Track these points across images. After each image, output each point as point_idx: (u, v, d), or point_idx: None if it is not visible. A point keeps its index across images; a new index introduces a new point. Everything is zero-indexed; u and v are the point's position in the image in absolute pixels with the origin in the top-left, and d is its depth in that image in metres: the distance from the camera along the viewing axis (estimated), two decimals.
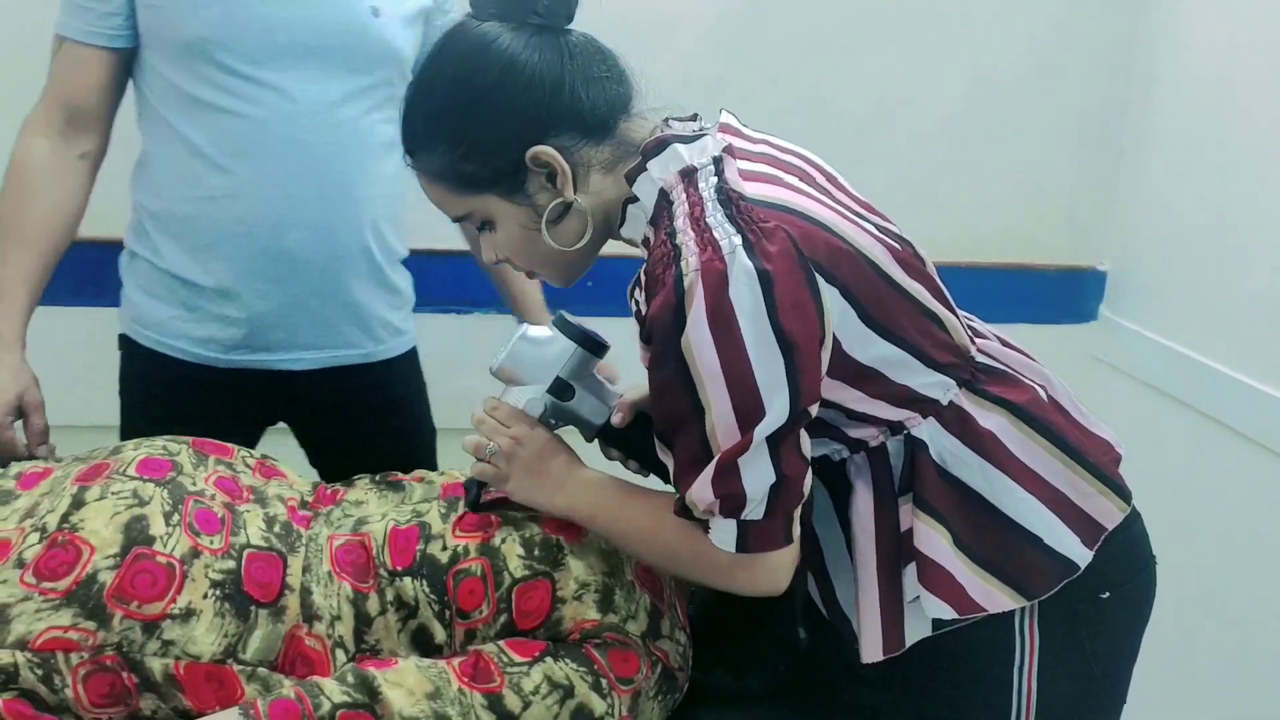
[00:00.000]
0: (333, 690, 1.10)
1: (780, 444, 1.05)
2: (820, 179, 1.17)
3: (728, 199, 1.05)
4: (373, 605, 1.21)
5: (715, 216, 1.04)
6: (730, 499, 1.06)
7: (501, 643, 1.18)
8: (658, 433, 1.11)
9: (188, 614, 1.12)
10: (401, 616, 1.22)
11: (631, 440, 1.29)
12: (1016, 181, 2.35)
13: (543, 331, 1.28)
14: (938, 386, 1.13)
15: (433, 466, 1.66)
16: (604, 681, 1.17)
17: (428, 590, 1.22)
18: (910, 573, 1.14)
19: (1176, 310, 2.20)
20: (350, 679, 1.12)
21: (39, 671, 1.09)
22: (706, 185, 1.07)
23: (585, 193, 1.14)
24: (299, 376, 1.62)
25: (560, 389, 1.27)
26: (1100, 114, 2.34)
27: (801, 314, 1.02)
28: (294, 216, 1.52)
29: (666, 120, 1.17)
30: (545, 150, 1.10)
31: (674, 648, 1.25)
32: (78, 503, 1.18)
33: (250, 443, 1.66)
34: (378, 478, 1.54)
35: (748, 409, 1.02)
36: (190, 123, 1.50)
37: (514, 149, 1.10)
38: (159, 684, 1.11)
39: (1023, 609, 1.15)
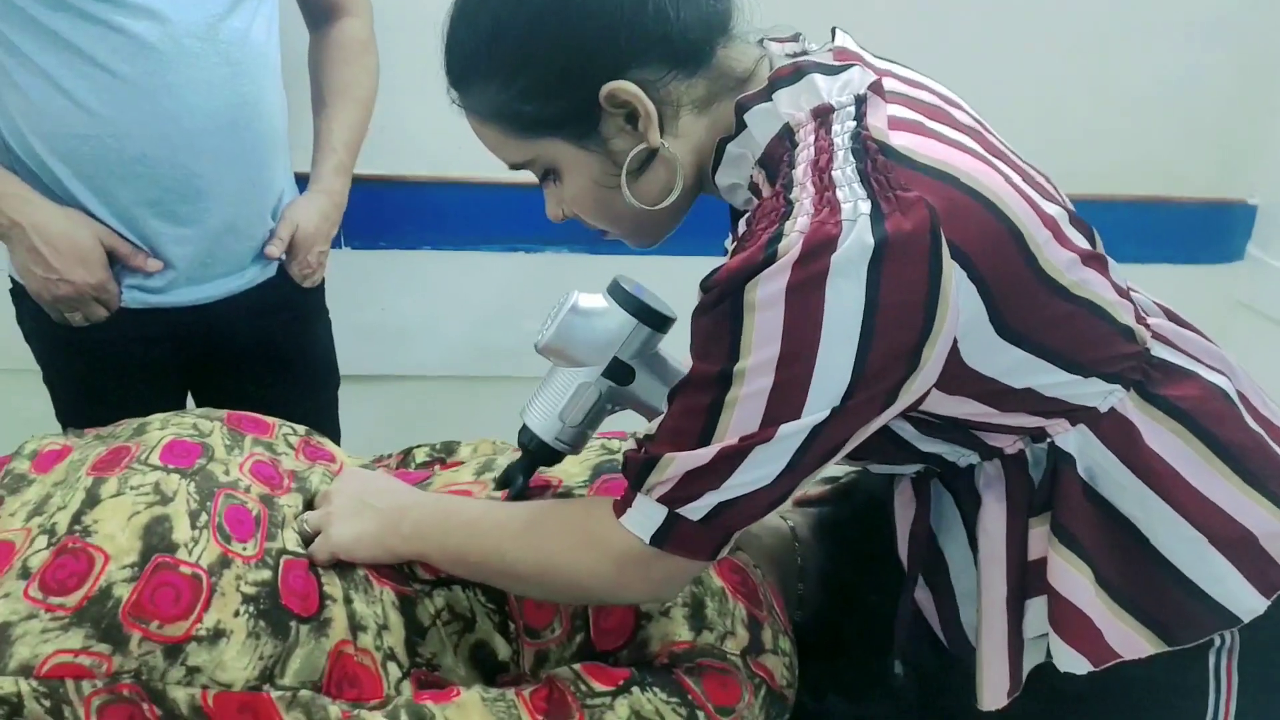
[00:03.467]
0: None
1: (804, 454, 0.86)
2: (966, 120, 0.94)
3: (864, 150, 0.84)
4: (424, 613, 1.05)
5: (845, 170, 0.83)
6: (693, 487, 0.88)
7: (579, 667, 1.02)
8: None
9: (216, 635, 0.97)
10: (457, 630, 1.06)
11: None
12: (1158, 102, 2.08)
13: (596, 301, 1.08)
14: (1094, 394, 0.93)
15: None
16: (701, 714, 1.00)
17: (484, 600, 1.06)
18: (1037, 607, 0.96)
19: None
20: (404, 716, 0.96)
21: (46, 702, 0.94)
22: (842, 130, 0.86)
23: (674, 137, 0.93)
24: (215, 308, 1.52)
25: (618, 372, 1.08)
26: (1260, 24, 2.05)
27: (905, 319, 0.82)
28: (198, 148, 1.39)
29: (761, 41, 0.97)
30: (624, 86, 0.89)
31: (779, 662, 1.08)
32: (92, 499, 1.02)
33: (176, 400, 1.60)
34: (439, 447, 1.38)
35: (784, 401, 0.84)
36: (54, 62, 1.33)
37: (585, 85, 0.89)
38: (185, 717, 0.96)
39: (1220, 644, 0.95)
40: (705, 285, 0.86)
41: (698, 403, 0.86)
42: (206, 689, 0.96)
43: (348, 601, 1.03)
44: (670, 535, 0.90)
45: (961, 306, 0.83)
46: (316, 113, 1.63)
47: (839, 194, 0.82)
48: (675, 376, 1.10)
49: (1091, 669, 0.94)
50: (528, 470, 1.12)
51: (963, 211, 0.83)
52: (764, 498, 0.88)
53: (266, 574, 1.01)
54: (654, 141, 0.91)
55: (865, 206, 0.81)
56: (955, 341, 0.85)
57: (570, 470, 1.19)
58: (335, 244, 1.64)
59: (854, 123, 0.85)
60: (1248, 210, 2.17)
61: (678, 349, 1.12)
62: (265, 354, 1.60)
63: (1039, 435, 0.94)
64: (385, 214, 1.94)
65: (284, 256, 1.56)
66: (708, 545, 0.92)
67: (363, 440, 1.75)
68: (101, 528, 0.99)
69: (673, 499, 0.89)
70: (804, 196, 0.83)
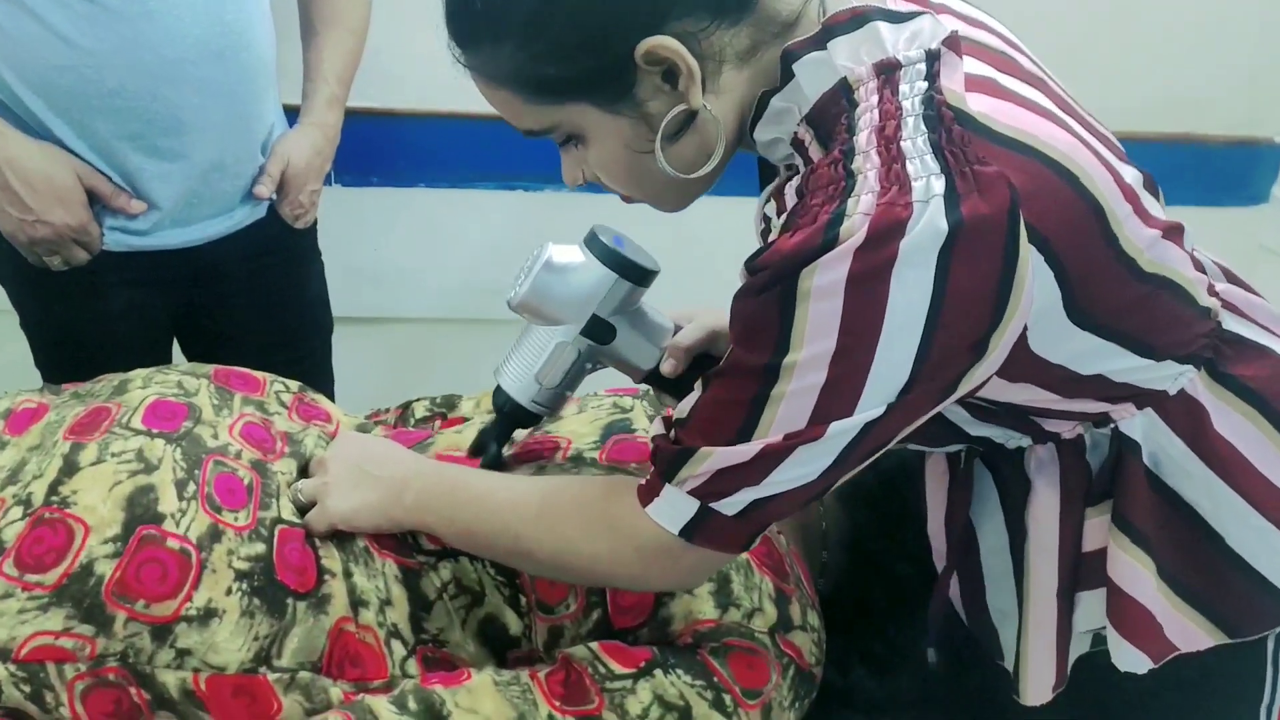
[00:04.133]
0: (388, 716, 0.88)
1: (853, 451, 0.79)
2: (1031, 68, 0.86)
3: (938, 117, 0.74)
4: (429, 586, 0.99)
5: (915, 141, 0.74)
6: (728, 483, 0.81)
7: (596, 646, 0.95)
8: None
9: (208, 614, 0.90)
10: (464, 604, 1.00)
11: (688, 387, 1.04)
12: (1184, 35, 1.98)
13: (572, 255, 1.00)
14: (1165, 377, 0.86)
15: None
16: (727, 697, 0.94)
17: (493, 572, 1.00)
18: (1090, 601, 0.90)
19: None
20: (412, 703, 0.90)
21: (27, 688, 0.88)
22: (912, 91, 0.76)
23: (715, 94, 0.82)
24: (202, 252, 1.44)
25: (597, 330, 1.01)
26: None
27: (974, 308, 0.75)
28: (181, 79, 1.30)
29: None
30: (664, 43, 0.78)
31: (807, 639, 1.02)
32: (70, 466, 0.95)
33: (161, 348, 1.54)
34: (438, 401, 1.31)
35: (836, 398, 0.77)
36: None
37: (617, 43, 0.79)
38: (175, 701, 0.90)
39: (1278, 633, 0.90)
40: (752, 266, 0.77)
41: (739, 395, 0.79)
42: (198, 672, 0.90)
43: (347, 575, 0.97)
44: (701, 528, 0.83)
45: (1036, 294, 0.75)
46: (306, 42, 1.54)
47: (909, 169, 0.73)
48: (659, 331, 1.04)
49: (1152, 666, 0.88)
50: (502, 435, 1.06)
51: (1045, 189, 0.74)
52: (804, 494, 0.82)
53: (260, 547, 0.94)
54: (695, 103, 0.81)
55: (939, 185, 0.72)
56: (1024, 328, 0.77)
57: (580, 431, 1.13)
58: (325, 181, 1.56)
59: (925, 83, 0.76)
60: (1275, 150, 2.08)
61: (663, 298, 1.05)
62: (255, 299, 1.53)
63: (1101, 420, 0.87)
64: (378, 149, 1.86)
65: (274, 196, 1.48)
66: (740, 538, 0.85)
67: (356, 386, 1.71)
68: (81, 498, 0.92)
69: (705, 493, 0.82)
70: (868, 169, 0.74)
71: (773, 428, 0.78)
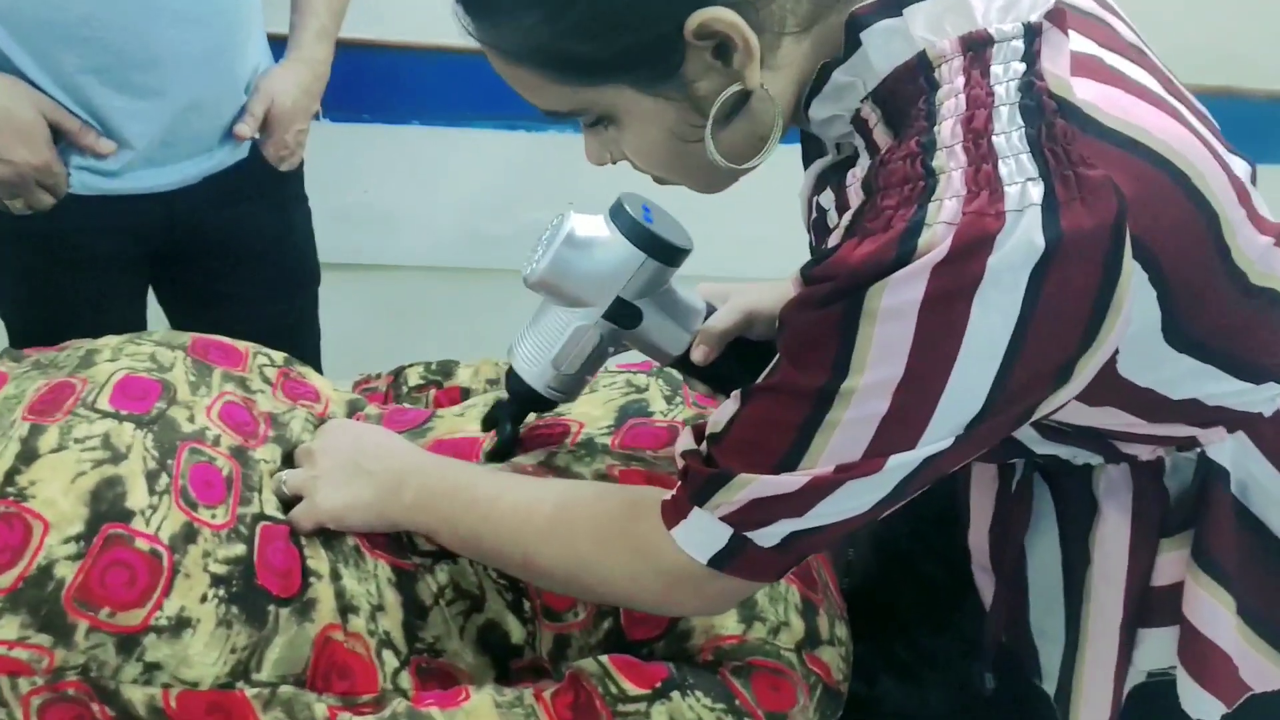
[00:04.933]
0: None
1: (910, 484, 0.71)
2: (1130, 37, 0.75)
3: (1040, 109, 0.64)
4: (425, 590, 0.91)
5: (1010, 136, 0.63)
6: (767, 513, 0.72)
7: (607, 661, 0.87)
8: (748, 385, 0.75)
9: (180, 624, 0.82)
10: (463, 609, 0.92)
11: (720, 375, 0.97)
12: None
13: (596, 229, 0.91)
14: (1263, 399, 0.77)
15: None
16: None
17: (495, 575, 0.92)
18: (1156, 639, 0.83)
19: None
20: None
21: None
22: (1006, 74, 0.65)
23: (772, 70, 0.71)
24: (178, 196, 1.36)
25: (622, 314, 0.92)
26: None
27: (1063, 335, 0.66)
28: (155, 7, 1.22)
29: None
30: (719, 15, 0.67)
31: (835, 654, 0.94)
32: (28, 453, 0.85)
33: (136, 302, 1.45)
34: (434, 367, 1.23)
35: (898, 430, 0.68)
36: None
37: (664, 17, 0.67)
38: (142, 718, 0.81)
39: None
40: (810, 275, 0.67)
41: (786, 417, 0.69)
42: (168, 688, 0.82)
43: (335, 578, 0.89)
44: (733, 558, 0.75)
45: (1134, 315, 0.66)
46: None
47: (1001, 170, 0.62)
48: (690, 314, 0.95)
49: (1226, 712, 0.81)
50: (516, 417, 0.98)
51: (1156, 195, 0.64)
52: (850, 525, 0.73)
53: (239, 548, 0.85)
54: (752, 82, 0.70)
55: (1036, 192, 0.62)
56: (1114, 352, 0.68)
57: (592, 413, 1.04)
58: (312, 118, 1.47)
59: (1023, 65, 0.65)
60: None
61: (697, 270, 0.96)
62: (237, 248, 1.44)
63: (1187, 444, 0.79)
64: (369, 84, 1.79)
65: (258, 136, 1.39)
66: (776, 569, 0.77)
67: (345, 340, 1.65)
68: (40, 490, 0.83)
69: (740, 522, 0.73)
70: (953, 168, 0.63)
71: (823, 458, 0.69)
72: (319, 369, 1.56)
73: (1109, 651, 0.84)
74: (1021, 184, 0.62)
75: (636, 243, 0.90)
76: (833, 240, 0.68)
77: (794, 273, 0.69)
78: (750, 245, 1.68)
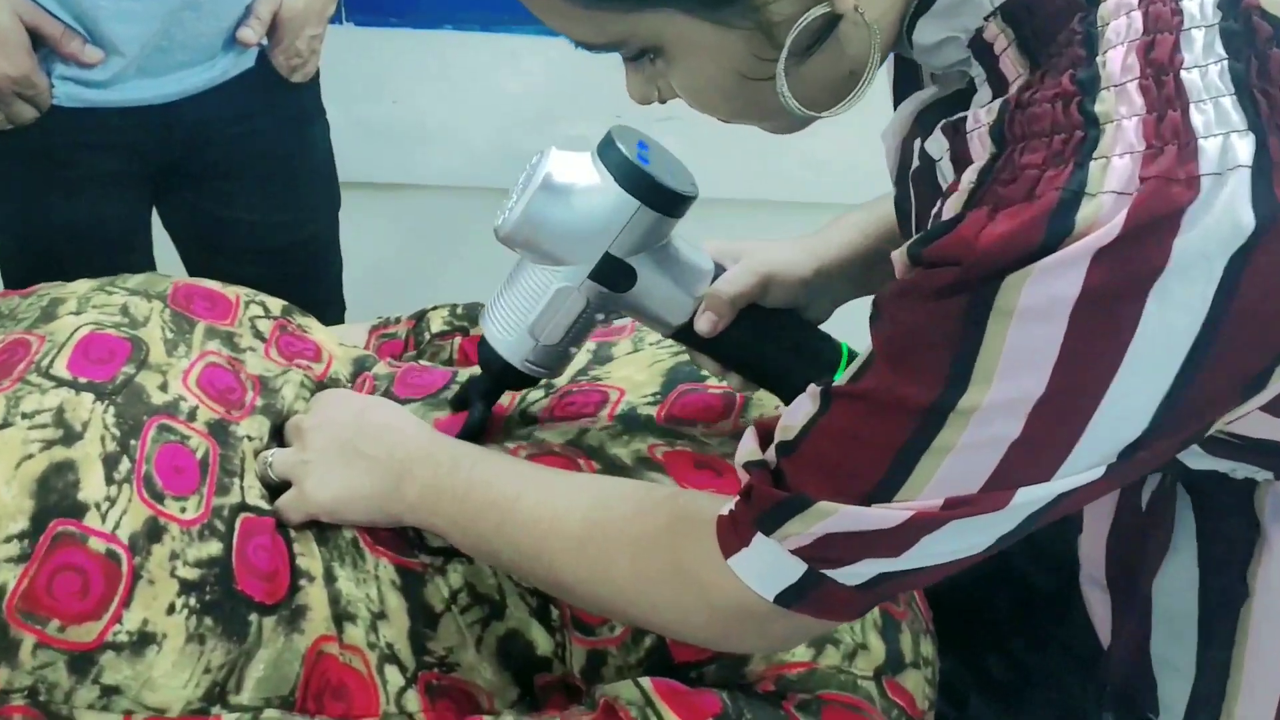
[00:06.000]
0: None
1: (1036, 520, 0.58)
2: None
3: (1251, 35, 0.50)
4: (435, 594, 0.80)
5: (1208, 72, 0.49)
6: (852, 550, 0.60)
7: (650, 687, 0.75)
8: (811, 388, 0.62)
9: (143, 640, 0.71)
10: (479, 617, 0.80)
11: (730, 349, 0.83)
12: None
13: (580, 170, 0.77)
14: None
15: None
16: None
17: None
18: None
19: None
20: None
21: None
22: None
23: None
24: (178, 109, 1.27)
25: (612, 273, 0.79)
26: None
27: (1261, 334, 0.52)
28: None
29: None
30: None
31: (919, 679, 0.82)
32: None
33: (139, 224, 1.36)
34: (460, 311, 1.10)
35: (1031, 458, 0.55)
36: None
37: None
38: None
39: None
40: (920, 256, 0.54)
41: (882, 435, 0.56)
42: (131, 714, 0.71)
43: (330, 579, 0.78)
44: (807, 596, 0.62)
45: None
46: None
47: (1194, 119, 0.49)
48: (694, 275, 0.82)
49: None
50: (489, 395, 0.86)
51: None
52: (957, 567, 0.60)
53: (215, 546, 0.74)
54: (843, 3, 0.56)
55: (1244, 149, 0.48)
56: None
57: (635, 378, 0.91)
58: (334, 19, 1.36)
59: None
60: None
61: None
62: (245, 168, 1.34)
63: None
64: None
65: (264, 41, 1.27)
66: (859, 607, 0.64)
67: (367, 266, 1.57)
68: None
69: (818, 558, 0.60)
70: (1123, 114, 0.49)
71: (929, 488, 0.55)
72: (340, 301, 1.48)
73: (1269, 699, 0.72)
74: (1223, 137, 0.48)
75: (629, 187, 0.76)
76: (950, 209, 0.54)
77: (898, 252, 0.55)
78: (817, 167, 1.55)
